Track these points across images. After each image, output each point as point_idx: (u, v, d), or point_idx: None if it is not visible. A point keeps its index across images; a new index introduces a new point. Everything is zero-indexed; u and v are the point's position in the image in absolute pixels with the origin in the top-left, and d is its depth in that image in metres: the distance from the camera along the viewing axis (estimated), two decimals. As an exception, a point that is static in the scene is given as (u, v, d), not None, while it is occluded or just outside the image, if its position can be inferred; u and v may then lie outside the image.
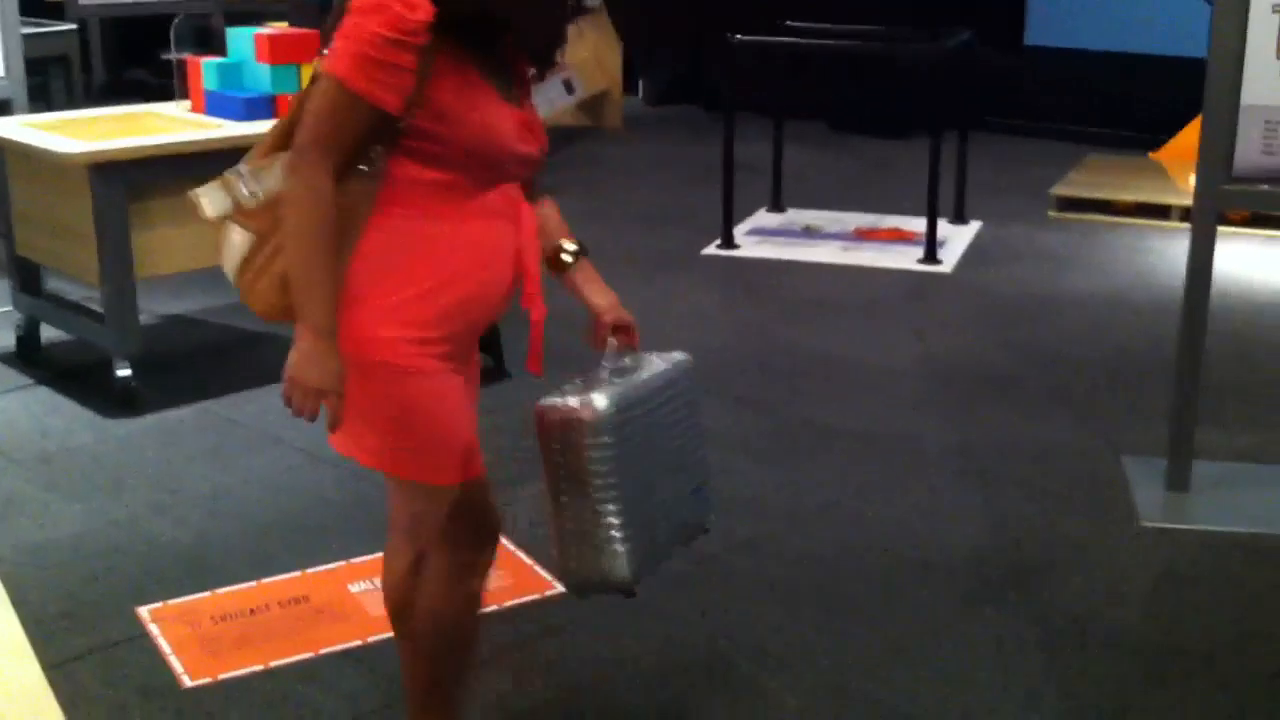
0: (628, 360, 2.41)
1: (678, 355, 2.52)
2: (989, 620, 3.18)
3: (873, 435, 4.27)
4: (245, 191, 2.16)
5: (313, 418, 2.11)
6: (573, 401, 2.25)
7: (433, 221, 2.14)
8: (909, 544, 3.55)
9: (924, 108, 6.55)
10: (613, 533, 2.28)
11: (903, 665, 3.00)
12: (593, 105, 9.56)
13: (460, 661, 2.49)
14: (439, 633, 2.39)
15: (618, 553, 2.29)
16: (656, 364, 2.45)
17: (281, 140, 2.18)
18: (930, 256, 6.12)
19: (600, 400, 2.25)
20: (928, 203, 6.13)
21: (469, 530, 2.36)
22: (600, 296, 2.42)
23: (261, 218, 2.15)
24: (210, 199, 2.18)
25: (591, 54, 9.41)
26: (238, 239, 2.18)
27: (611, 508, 2.27)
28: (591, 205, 7.31)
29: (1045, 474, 3.97)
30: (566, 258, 2.40)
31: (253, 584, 3.29)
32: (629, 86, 10.16)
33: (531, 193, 2.33)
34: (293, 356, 2.08)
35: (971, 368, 4.88)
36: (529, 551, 3.42)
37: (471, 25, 2.10)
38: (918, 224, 6.49)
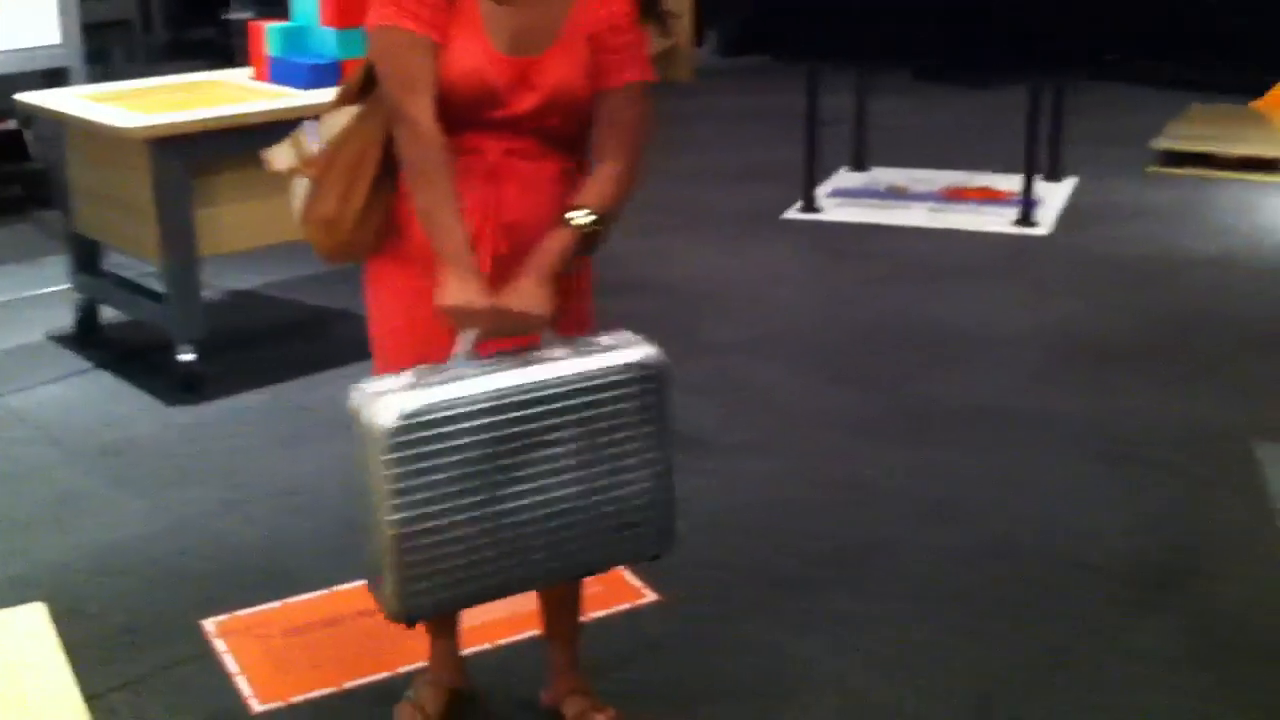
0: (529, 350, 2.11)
1: (628, 354, 2.13)
2: (1148, 627, 2.91)
3: (996, 413, 3.98)
4: (310, 144, 2.28)
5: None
6: (373, 401, 1.99)
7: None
8: (1053, 538, 3.28)
9: (1018, 55, 6.21)
10: (404, 561, 2.02)
11: (1055, 676, 2.74)
12: (663, 58, 9.26)
13: None
14: None
15: (385, 581, 2.04)
16: (556, 364, 2.08)
17: (348, 95, 2.29)
18: (1026, 218, 5.79)
19: (395, 405, 1.96)
20: (1025, 160, 5.79)
21: None
22: (526, 272, 2.14)
23: (318, 164, 2.27)
24: (278, 153, 2.33)
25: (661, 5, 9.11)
26: (299, 187, 2.30)
27: (390, 532, 1.99)
28: (666, 162, 7.03)
29: (1193, 457, 3.68)
30: (568, 217, 2.18)
31: (326, 592, 3.08)
32: (697, 38, 9.84)
33: (577, 153, 2.27)
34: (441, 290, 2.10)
35: (1088, 337, 4.58)
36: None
37: None
38: (1009, 182, 6.16)
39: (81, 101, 4.38)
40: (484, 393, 2.02)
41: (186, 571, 3.22)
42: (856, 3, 6.52)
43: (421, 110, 2.12)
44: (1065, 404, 4.04)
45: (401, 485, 1.98)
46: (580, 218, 2.17)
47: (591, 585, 2.89)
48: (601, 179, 2.21)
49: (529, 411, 2.05)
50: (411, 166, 2.15)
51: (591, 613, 2.85)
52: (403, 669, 2.78)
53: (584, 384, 2.08)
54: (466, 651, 2.70)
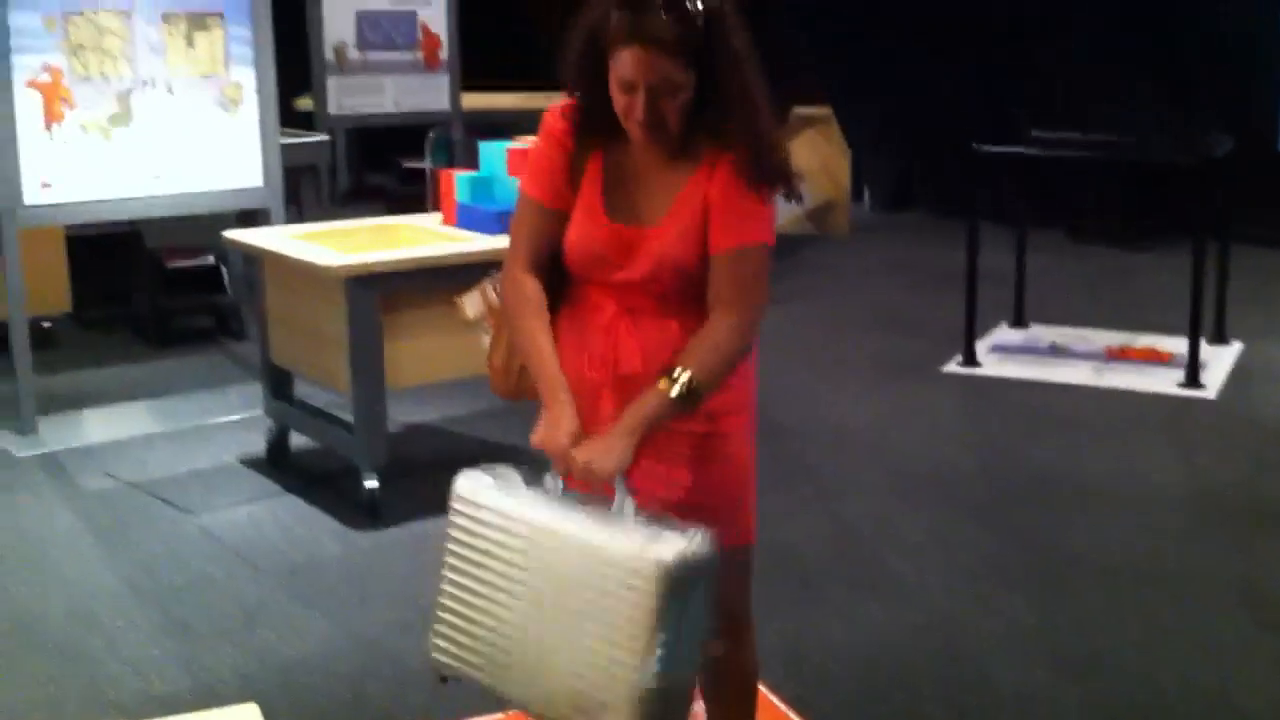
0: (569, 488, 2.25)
1: (650, 550, 2.07)
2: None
3: (1145, 571, 3.96)
4: (495, 295, 2.51)
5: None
6: (466, 475, 2.30)
7: (564, 301, 2.41)
8: (1203, 703, 3.24)
9: (1181, 217, 6.24)
10: (439, 612, 2.30)
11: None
12: (820, 213, 9.46)
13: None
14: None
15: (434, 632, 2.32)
16: (578, 521, 2.16)
17: None
18: (1192, 380, 5.76)
19: (465, 483, 2.27)
20: (1190, 321, 5.78)
21: None
22: (612, 426, 2.24)
23: (497, 316, 2.51)
24: (470, 302, 2.57)
25: (819, 162, 9.34)
26: (486, 336, 2.56)
27: (447, 587, 2.28)
28: (825, 311, 7.18)
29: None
30: (663, 380, 2.23)
31: (502, 715, 3.18)
32: (854, 193, 10.04)
33: (701, 313, 2.30)
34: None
35: (1248, 501, 4.53)
36: (773, 688, 3.24)
37: (596, 126, 2.31)
38: (1174, 344, 6.15)
39: (286, 240, 4.66)
40: (510, 513, 2.22)
41: (368, 689, 3.34)
42: (1015, 162, 6.61)
43: (518, 263, 2.37)
44: (1216, 565, 4.00)
45: (451, 548, 2.28)
46: (675, 380, 2.20)
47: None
48: (703, 341, 2.24)
49: (533, 550, 2.18)
50: (507, 310, 2.41)
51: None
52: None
53: (581, 555, 2.13)
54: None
